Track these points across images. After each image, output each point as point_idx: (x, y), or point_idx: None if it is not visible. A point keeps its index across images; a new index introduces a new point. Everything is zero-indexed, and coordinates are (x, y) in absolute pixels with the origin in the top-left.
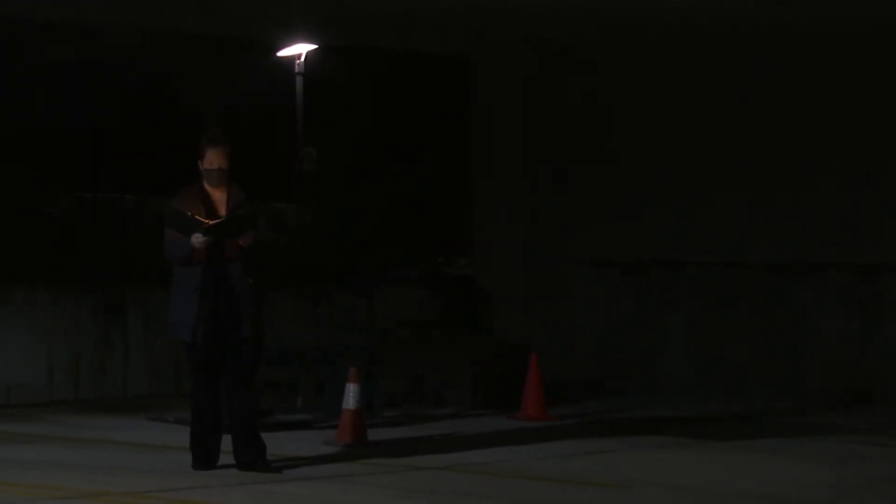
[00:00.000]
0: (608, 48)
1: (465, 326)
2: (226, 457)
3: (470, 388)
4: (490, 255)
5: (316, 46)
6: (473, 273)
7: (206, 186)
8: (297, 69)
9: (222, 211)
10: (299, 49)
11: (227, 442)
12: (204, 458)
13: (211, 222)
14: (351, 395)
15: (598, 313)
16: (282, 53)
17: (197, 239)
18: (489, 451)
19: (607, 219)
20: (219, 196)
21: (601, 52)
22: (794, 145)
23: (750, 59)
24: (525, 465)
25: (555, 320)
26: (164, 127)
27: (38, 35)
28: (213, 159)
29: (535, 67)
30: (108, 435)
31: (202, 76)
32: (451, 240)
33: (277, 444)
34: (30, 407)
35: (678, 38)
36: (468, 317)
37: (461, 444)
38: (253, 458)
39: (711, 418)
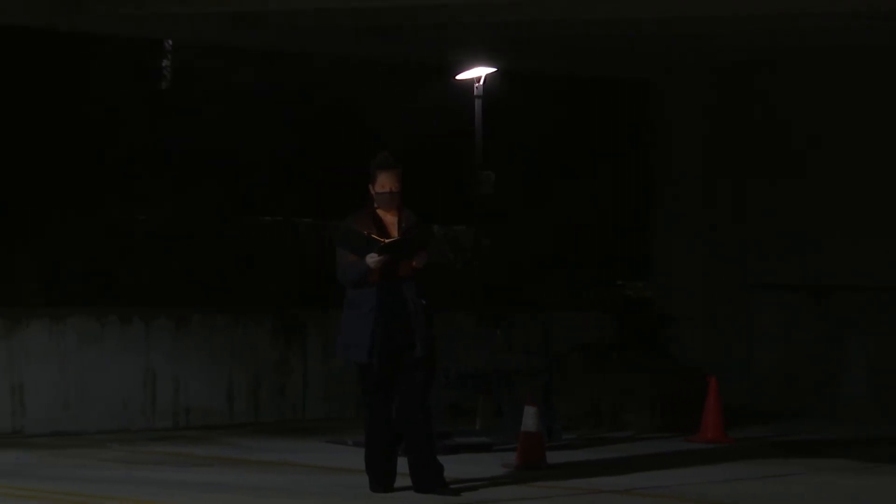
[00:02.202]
0: (790, 71)
1: (643, 349)
2: (404, 479)
3: (648, 411)
4: (668, 278)
5: (495, 70)
6: (651, 296)
7: (378, 210)
8: (475, 92)
9: (394, 233)
10: (478, 72)
11: (404, 464)
12: (381, 480)
13: (386, 241)
14: (530, 418)
15: (777, 336)
16: (461, 77)
17: (372, 258)
18: (668, 474)
19: (786, 242)
20: (390, 219)
21: (783, 76)
22: None
23: None
24: (704, 489)
25: (733, 343)
26: (343, 150)
27: (222, 60)
28: (384, 183)
29: (716, 90)
30: (287, 457)
31: (382, 100)
32: (629, 263)
33: (456, 466)
34: (209, 429)
35: (858, 58)
36: (646, 340)
37: (640, 467)
38: (430, 481)
39: (893, 442)
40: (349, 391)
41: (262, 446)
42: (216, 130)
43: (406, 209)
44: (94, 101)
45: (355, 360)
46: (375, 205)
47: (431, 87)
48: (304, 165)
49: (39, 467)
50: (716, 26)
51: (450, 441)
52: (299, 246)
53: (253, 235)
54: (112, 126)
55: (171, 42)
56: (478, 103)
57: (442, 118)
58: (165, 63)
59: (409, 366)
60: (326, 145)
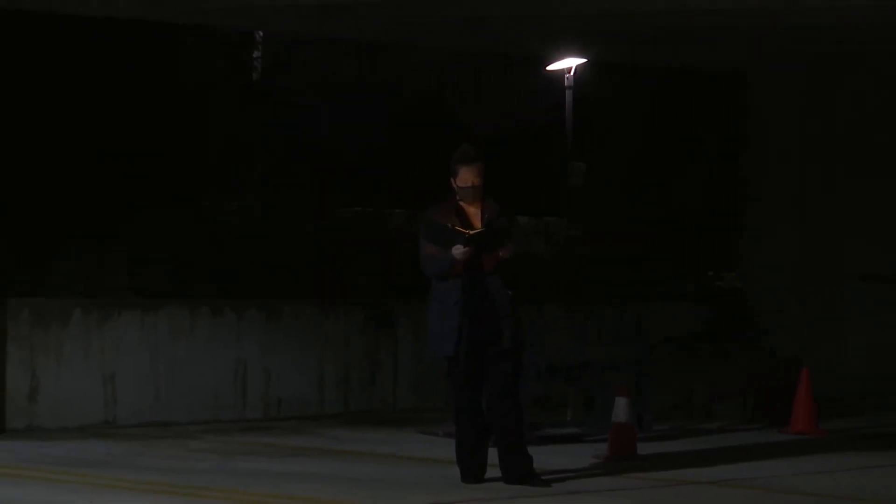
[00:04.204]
0: (882, 62)
1: (735, 340)
2: (494, 470)
3: (740, 403)
4: (760, 269)
5: (585, 60)
6: (742, 287)
7: (460, 203)
8: (566, 83)
9: (477, 224)
10: (569, 63)
11: (494, 455)
12: (472, 471)
13: (471, 232)
14: (621, 409)
15: (869, 327)
16: (551, 68)
17: (458, 250)
18: (759, 466)
19: (879, 232)
20: (473, 211)
21: (874, 66)
22: None
23: None
24: (795, 481)
25: (824, 334)
26: (434, 141)
27: (313, 51)
28: (466, 177)
29: (809, 80)
30: (377, 448)
31: (474, 91)
32: (720, 254)
33: (546, 457)
34: (300, 419)
35: None
36: (737, 331)
37: (731, 458)
38: (520, 472)
39: None
40: (439, 382)
41: (353, 437)
42: (307, 121)
43: (489, 200)
44: (187, 92)
45: (442, 353)
46: (458, 197)
47: (526, 78)
48: (395, 156)
49: (130, 458)
50: (811, 17)
51: (540, 432)
52: (390, 237)
53: (344, 226)
54: (204, 117)
55: (261, 33)
56: (568, 94)
57: (533, 109)
58: (256, 54)
59: (496, 358)
60: (418, 136)
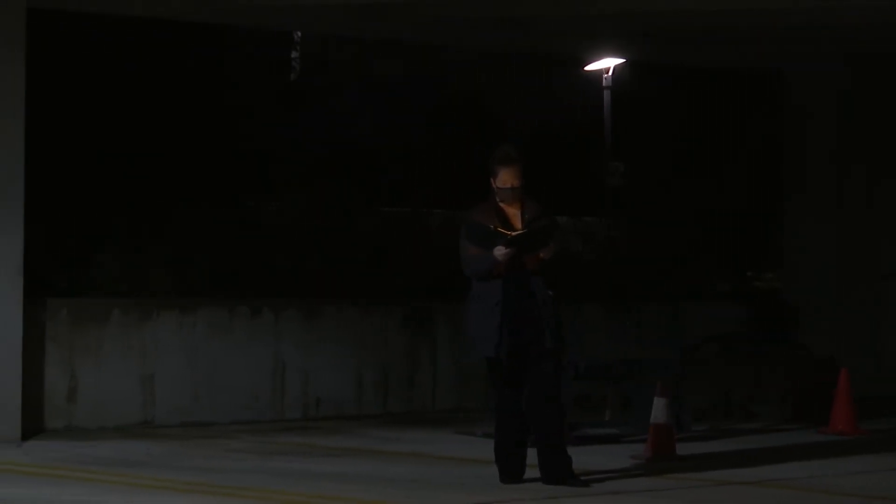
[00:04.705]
0: None
1: (774, 340)
2: (533, 470)
3: (779, 403)
4: (799, 269)
5: (623, 60)
6: (782, 287)
7: (501, 203)
8: (604, 83)
9: (518, 225)
10: (607, 63)
11: (532, 455)
12: (511, 471)
13: (513, 233)
14: (660, 409)
15: None
16: (589, 68)
17: (500, 251)
18: (798, 466)
19: None
20: (513, 211)
21: None
22: None
23: None
24: (835, 481)
25: (864, 334)
26: (473, 142)
27: (352, 51)
28: (506, 178)
29: (848, 78)
30: (416, 448)
31: (512, 91)
32: (760, 253)
33: (585, 457)
34: (339, 419)
35: None
36: (776, 331)
37: (770, 458)
38: (560, 472)
39: None
40: (478, 382)
41: (392, 437)
42: (347, 122)
43: (529, 200)
44: (226, 92)
45: (483, 353)
46: (498, 198)
47: (564, 78)
48: (434, 157)
49: (170, 458)
50: (849, 15)
51: (579, 432)
52: (429, 237)
53: (383, 226)
54: (244, 117)
55: (299, 33)
56: (606, 94)
57: (571, 109)
58: (295, 54)
59: (537, 358)
60: (457, 137)
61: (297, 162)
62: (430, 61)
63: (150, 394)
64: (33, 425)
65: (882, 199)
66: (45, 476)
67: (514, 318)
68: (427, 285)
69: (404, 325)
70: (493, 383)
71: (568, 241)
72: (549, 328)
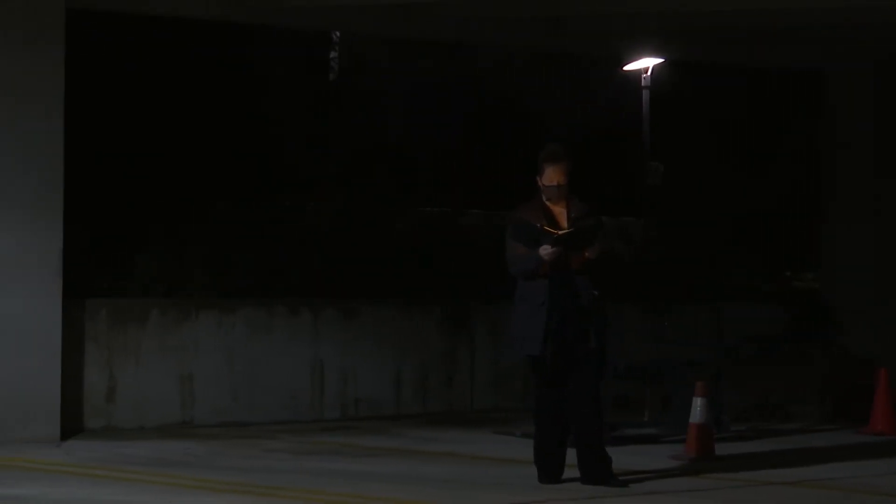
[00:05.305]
0: None
1: (812, 341)
2: (572, 471)
3: (818, 403)
4: (838, 269)
5: (662, 60)
6: (821, 287)
7: (546, 201)
8: (643, 83)
9: (564, 223)
10: (645, 63)
11: (571, 455)
12: (550, 471)
13: (560, 232)
14: (698, 410)
15: None
16: (628, 68)
17: (545, 250)
18: (837, 467)
19: None
20: (559, 210)
21: None
22: None
23: None
24: (875, 481)
25: None
26: (511, 142)
27: (390, 52)
28: (552, 176)
29: (888, 79)
30: (455, 448)
31: (550, 91)
32: (799, 254)
33: (624, 457)
34: (377, 420)
35: None
36: (815, 331)
37: (809, 458)
38: (599, 472)
39: None
40: (517, 382)
41: (430, 437)
42: (384, 121)
43: (575, 199)
44: (265, 92)
45: (528, 352)
46: (543, 196)
47: (603, 78)
48: (472, 157)
49: (208, 458)
50: (888, 14)
51: (618, 432)
52: (468, 237)
53: (421, 226)
54: (282, 117)
55: (338, 33)
56: (645, 94)
57: (610, 109)
58: (333, 54)
59: (581, 358)
60: (494, 137)
61: (335, 162)
62: (467, 61)
63: (188, 394)
64: (73, 425)
65: None
66: (84, 476)
67: (560, 318)
68: (465, 285)
69: (442, 324)
70: (535, 383)
71: (612, 241)
72: (593, 328)
